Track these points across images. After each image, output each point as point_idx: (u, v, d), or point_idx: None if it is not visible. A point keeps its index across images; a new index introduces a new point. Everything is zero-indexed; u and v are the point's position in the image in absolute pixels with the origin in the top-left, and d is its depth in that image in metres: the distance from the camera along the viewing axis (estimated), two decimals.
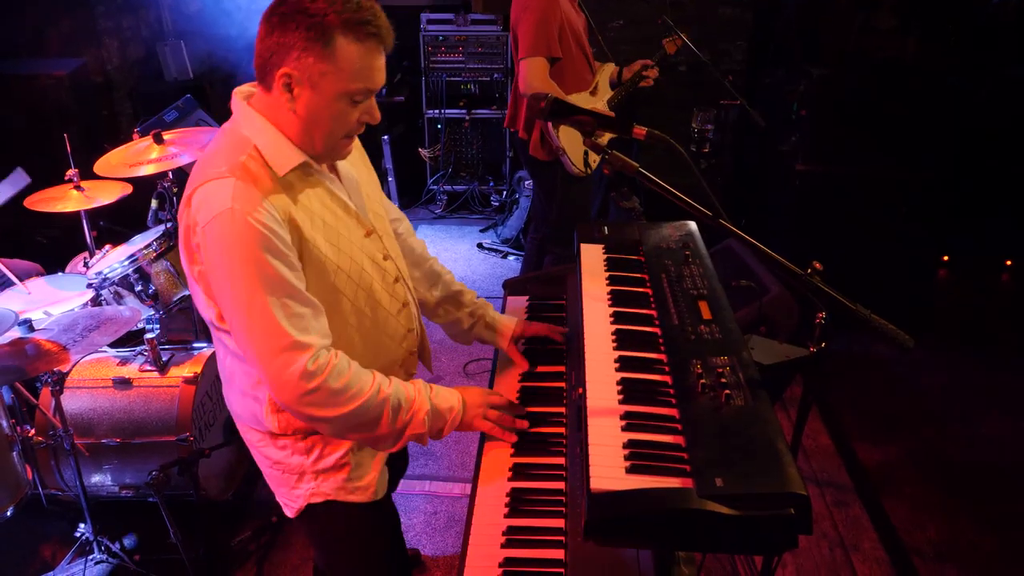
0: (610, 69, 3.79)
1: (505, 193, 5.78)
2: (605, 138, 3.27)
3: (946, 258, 5.12)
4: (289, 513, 1.89)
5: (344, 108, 1.59)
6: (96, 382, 2.94)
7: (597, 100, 3.66)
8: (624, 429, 1.54)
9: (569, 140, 3.48)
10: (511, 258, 5.26)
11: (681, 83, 5.10)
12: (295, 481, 1.83)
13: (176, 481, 2.78)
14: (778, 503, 1.33)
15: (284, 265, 1.57)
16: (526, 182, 5.29)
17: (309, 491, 1.82)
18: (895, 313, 1.81)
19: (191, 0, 5.46)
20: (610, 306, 1.97)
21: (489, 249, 5.39)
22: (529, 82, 3.37)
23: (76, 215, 3.40)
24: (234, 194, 1.53)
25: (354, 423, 1.68)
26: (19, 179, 3.25)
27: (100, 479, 2.94)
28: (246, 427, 1.85)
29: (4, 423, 2.69)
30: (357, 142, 1.90)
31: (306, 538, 1.99)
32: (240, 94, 1.70)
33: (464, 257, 5.31)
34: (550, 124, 3.44)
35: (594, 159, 3.60)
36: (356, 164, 1.90)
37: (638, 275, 2.11)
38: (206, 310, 1.68)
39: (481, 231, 5.66)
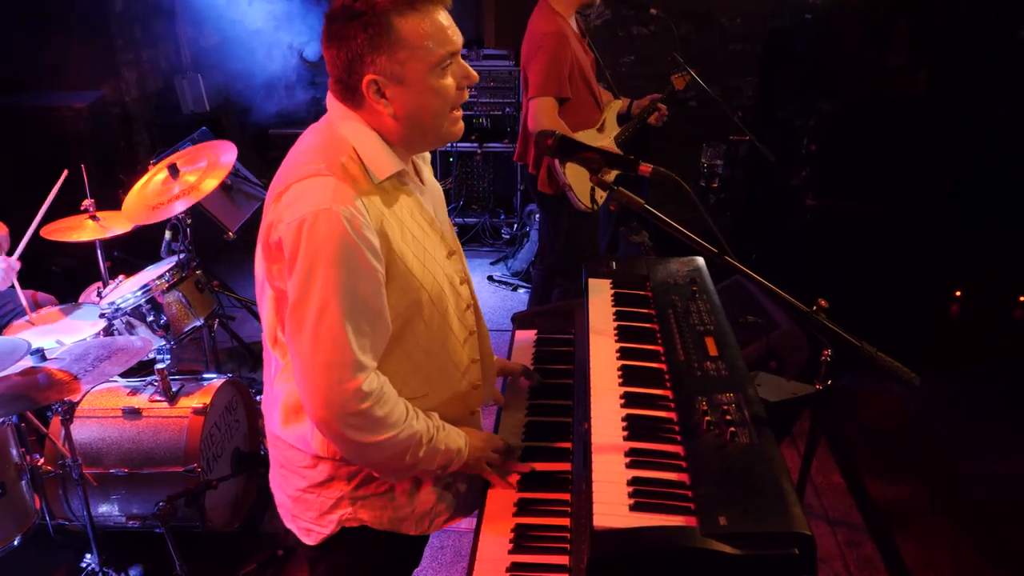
0: (617, 105, 3.83)
1: (516, 226, 5.80)
2: (612, 174, 3.30)
3: (959, 293, 5.09)
4: (310, 540, 1.78)
5: (438, 82, 1.55)
6: (106, 412, 2.96)
7: (604, 137, 3.70)
8: (628, 466, 1.54)
9: (576, 177, 3.52)
10: (521, 291, 5.27)
11: (691, 118, 5.14)
12: (330, 506, 1.75)
13: (183, 512, 2.78)
14: (782, 543, 1.32)
15: (370, 277, 1.52)
16: (537, 215, 5.31)
17: (345, 515, 1.74)
18: (907, 347, 1.80)
19: (210, 34, 5.56)
20: (616, 341, 1.97)
21: (499, 282, 5.40)
22: (538, 120, 3.43)
23: (91, 245, 3.45)
24: (334, 194, 1.47)
25: (382, 453, 1.62)
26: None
27: (107, 509, 2.95)
28: (287, 447, 1.76)
29: (14, 452, 2.71)
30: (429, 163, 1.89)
31: (320, 570, 1.86)
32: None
33: (474, 289, 5.32)
34: (557, 161, 3.48)
35: (601, 195, 3.62)
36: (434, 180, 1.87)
37: (645, 310, 2.11)
38: (270, 319, 1.64)
39: (492, 264, 5.68)
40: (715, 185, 3.71)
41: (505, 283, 5.38)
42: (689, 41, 5.03)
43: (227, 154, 3.41)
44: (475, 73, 1.62)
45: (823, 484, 3.53)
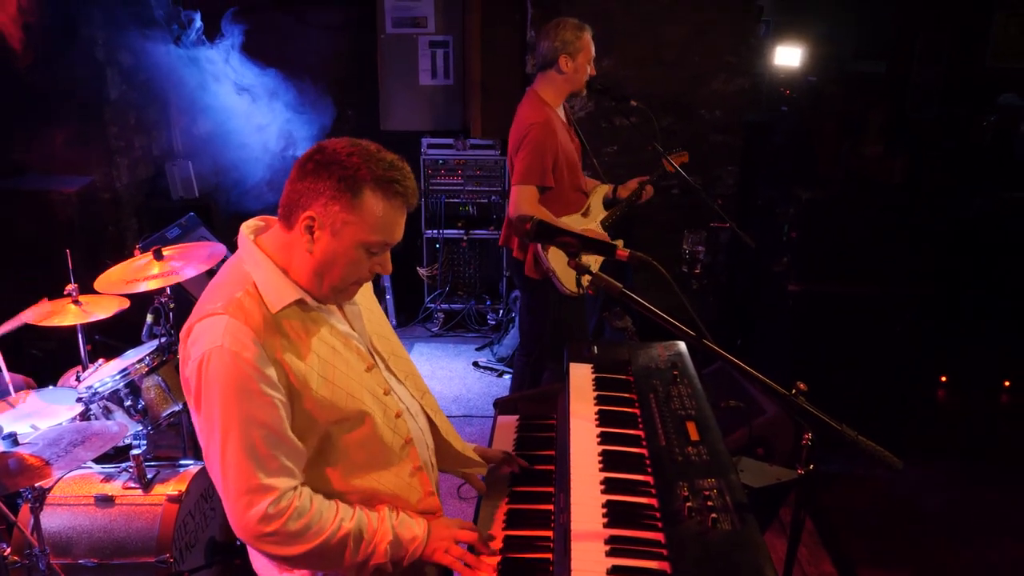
0: (603, 190, 3.89)
1: (502, 312, 5.82)
2: (597, 261, 3.35)
3: (944, 378, 5.10)
4: None
5: (359, 257, 1.65)
6: (78, 499, 2.88)
7: (590, 221, 3.75)
8: (608, 554, 1.50)
9: (559, 262, 3.56)
10: (506, 376, 5.24)
11: (673, 205, 5.23)
12: None
13: None
14: None
15: (265, 405, 1.60)
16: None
17: None
18: (895, 432, 1.79)
19: (201, 123, 5.66)
20: (597, 426, 1.96)
21: (485, 368, 5.37)
22: (519, 207, 3.50)
23: (72, 329, 3.43)
24: (224, 331, 1.58)
25: (314, 559, 1.69)
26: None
27: None
28: (257, 557, 1.85)
29: None
30: None
31: None
32: (247, 228, 1.76)
33: (459, 375, 5.29)
34: (540, 246, 3.54)
35: (587, 279, 3.65)
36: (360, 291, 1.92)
37: (626, 395, 2.10)
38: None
39: (477, 349, 5.66)
40: (697, 271, 3.75)
41: (490, 369, 5.35)
42: (671, 132, 5.16)
43: (203, 263, 3.41)
44: (390, 268, 1.72)
45: (814, 574, 3.45)
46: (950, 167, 5.28)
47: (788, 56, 4.91)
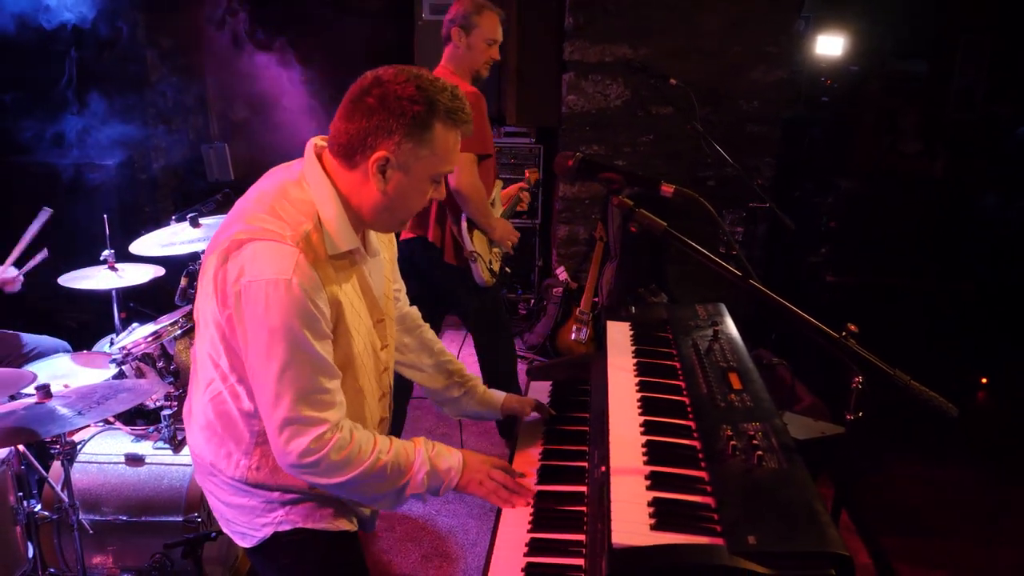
0: (499, 185, 3.67)
1: (533, 301, 5.77)
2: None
3: (985, 380, 4.97)
4: (246, 543, 1.83)
5: (427, 187, 1.66)
6: (108, 457, 2.88)
7: (495, 211, 3.52)
8: (649, 488, 1.46)
9: (482, 247, 3.39)
10: (535, 365, 5.19)
11: (709, 195, 5.15)
12: (261, 511, 1.79)
13: (179, 565, 2.66)
14: (818, 563, 1.23)
15: (326, 344, 1.61)
16: (554, 289, 5.29)
17: (277, 519, 1.79)
18: (934, 429, 1.72)
19: (239, 109, 5.71)
20: (636, 376, 1.91)
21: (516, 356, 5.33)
22: (460, 177, 3.20)
23: (108, 300, 3.45)
24: (296, 268, 1.54)
25: (353, 489, 1.70)
26: (43, 216, 3.34)
27: (102, 560, 2.82)
28: (210, 465, 1.81)
29: (11, 497, 2.62)
30: None
31: (260, 568, 1.92)
32: (315, 147, 1.70)
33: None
34: (464, 227, 3.32)
35: (498, 267, 3.48)
36: (383, 241, 1.92)
37: (665, 349, 2.06)
38: (213, 350, 1.67)
39: None
40: (735, 251, 3.68)
41: (520, 357, 5.30)
42: (708, 122, 5.09)
43: None
44: (444, 192, 1.73)
45: None
46: (991, 167, 5.18)
47: (830, 45, 4.83)
